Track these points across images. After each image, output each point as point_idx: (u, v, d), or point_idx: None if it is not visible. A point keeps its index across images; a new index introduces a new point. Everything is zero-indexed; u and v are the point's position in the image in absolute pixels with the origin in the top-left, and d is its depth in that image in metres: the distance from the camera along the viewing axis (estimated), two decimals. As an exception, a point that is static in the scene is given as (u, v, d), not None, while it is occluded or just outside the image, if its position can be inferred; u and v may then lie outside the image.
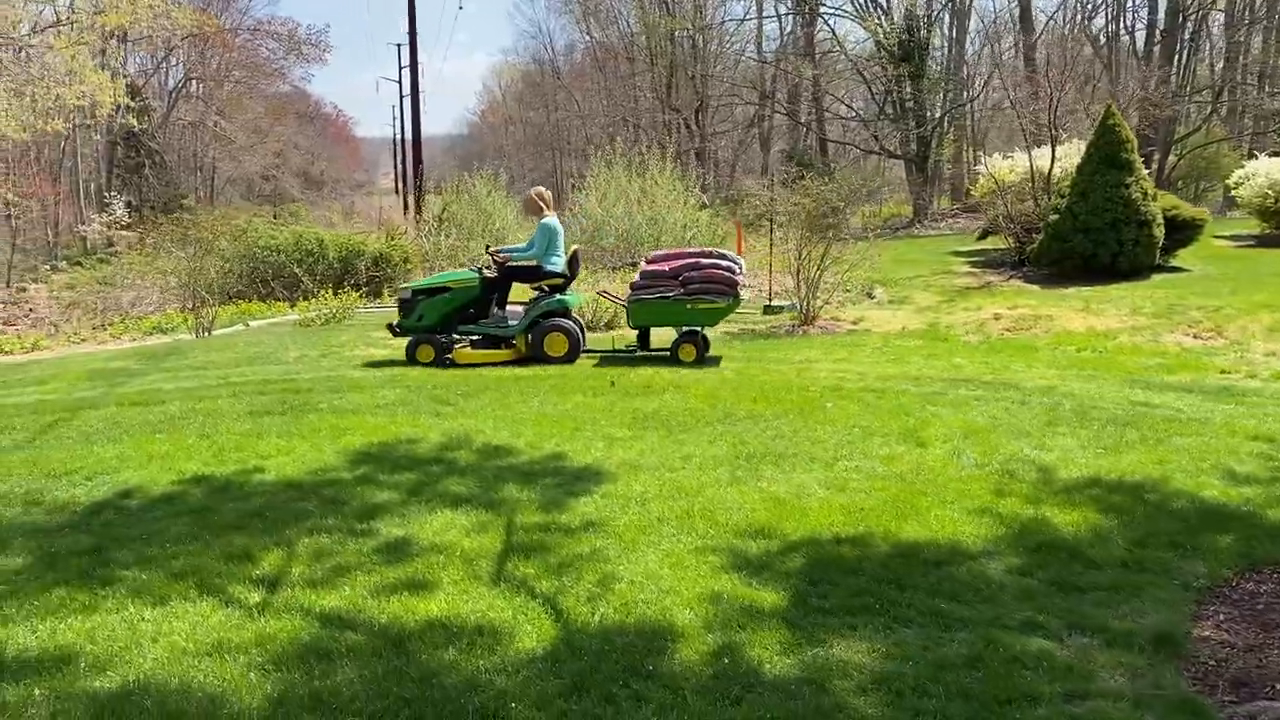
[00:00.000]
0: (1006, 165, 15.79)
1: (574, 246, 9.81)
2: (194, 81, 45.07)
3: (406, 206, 45.09)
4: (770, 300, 12.72)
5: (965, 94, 33.48)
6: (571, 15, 51.23)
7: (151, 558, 4.27)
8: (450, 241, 17.75)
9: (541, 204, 9.51)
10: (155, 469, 5.62)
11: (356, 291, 16.03)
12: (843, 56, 35.78)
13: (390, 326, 9.60)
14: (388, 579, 4.02)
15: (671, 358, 9.16)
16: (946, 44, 33.14)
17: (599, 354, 9.50)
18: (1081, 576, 4.03)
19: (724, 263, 9.35)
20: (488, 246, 10.08)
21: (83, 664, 3.34)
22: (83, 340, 16.76)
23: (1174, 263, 13.87)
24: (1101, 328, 10.45)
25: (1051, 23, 36.19)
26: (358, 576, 4.05)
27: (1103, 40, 33.11)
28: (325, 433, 6.38)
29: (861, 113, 33.40)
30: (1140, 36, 30.80)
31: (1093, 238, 12.74)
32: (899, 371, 8.58)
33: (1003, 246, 15.32)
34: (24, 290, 27.92)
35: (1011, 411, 6.89)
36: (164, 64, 41.79)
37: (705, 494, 5.04)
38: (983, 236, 16.39)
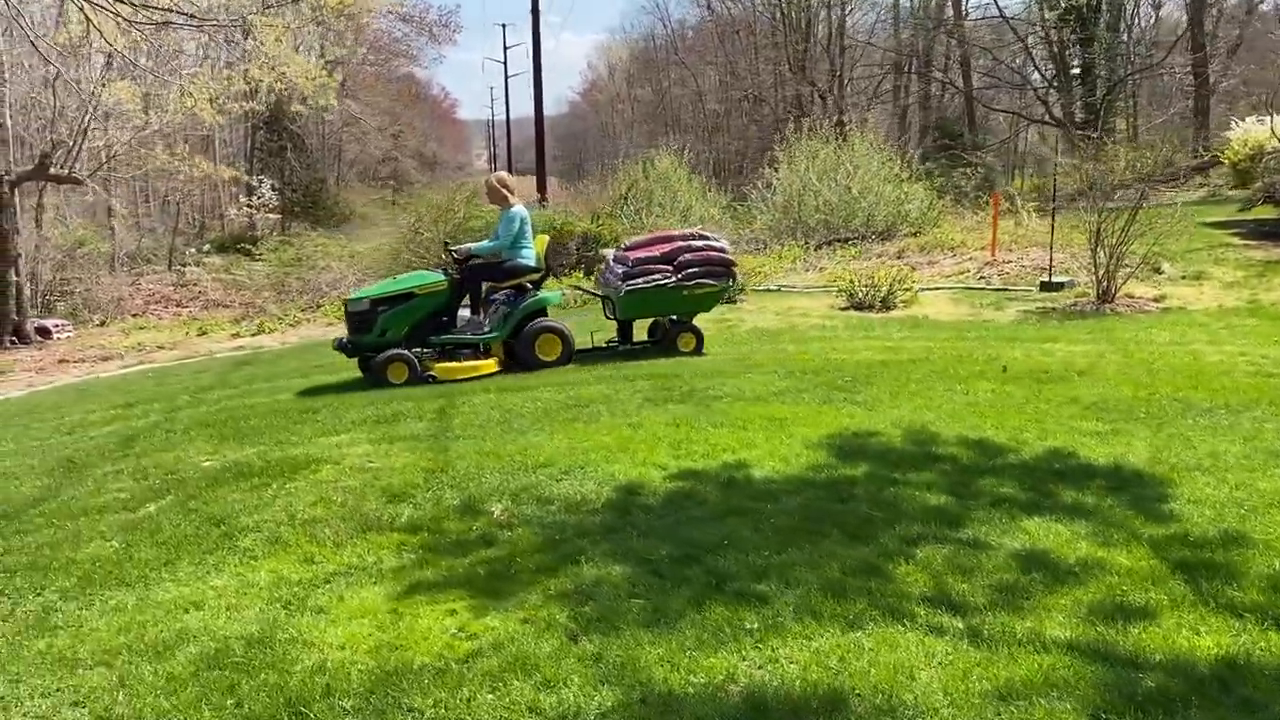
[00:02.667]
0: (1264, 129, 14.56)
1: (544, 237, 8.91)
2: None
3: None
4: (1050, 276, 11.89)
5: (1128, 60, 31.71)
6: (691, -11, 50.32)
7: (769, 569, 3.78)
8: (654, 219, 17.27)
9: (505, 191, 8.51)
10: (627, 463, 5.17)
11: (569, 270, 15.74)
12: (986, 23, 34.23)
13: (340, 345, 8.28)
14: (1082, 602, 3.45)
15: (670, 347, 8.64)
16: (1112, 7, 31.37)
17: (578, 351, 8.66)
18: None
19: (715, 243, 8.77)
20: (446, 243, 9.15)
21: (857, 705, 2.86)
22: (296, 323, 16.80)
23: None
24: None
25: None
26: (1041, 599, 3.49)
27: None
28: (763, 424, 5.87)
29: (1032, 80, 31.92)
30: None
31: None
32: (1298, 355, 7.76)
33: (1268, 217, 14.18)
34: (182, 273, 28.26)
35: None
36: (299, 47, 42.29)
37: (1318, 501, 4.38)
38: (1247, 207, 15.21)
